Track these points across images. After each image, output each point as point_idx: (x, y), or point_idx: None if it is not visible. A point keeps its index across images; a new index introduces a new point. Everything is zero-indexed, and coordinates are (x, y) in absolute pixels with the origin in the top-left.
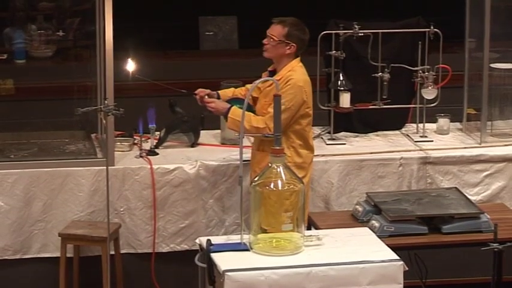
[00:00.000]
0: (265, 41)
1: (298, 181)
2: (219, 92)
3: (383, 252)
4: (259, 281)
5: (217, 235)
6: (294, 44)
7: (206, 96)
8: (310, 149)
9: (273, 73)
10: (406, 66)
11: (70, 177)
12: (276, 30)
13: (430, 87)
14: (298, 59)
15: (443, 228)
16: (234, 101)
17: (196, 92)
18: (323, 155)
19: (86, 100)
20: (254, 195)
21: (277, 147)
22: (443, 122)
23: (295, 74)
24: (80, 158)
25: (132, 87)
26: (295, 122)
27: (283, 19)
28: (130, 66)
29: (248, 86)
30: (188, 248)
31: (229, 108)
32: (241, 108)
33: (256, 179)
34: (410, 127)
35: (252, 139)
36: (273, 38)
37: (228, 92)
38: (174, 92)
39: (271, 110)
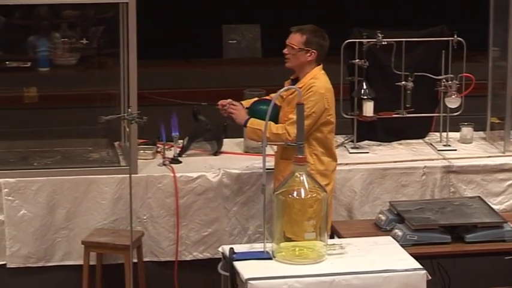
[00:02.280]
0: (285, 50)
1: (321, 189)
2: (242, 102)
3: (406, 261)
4: None
5: (240, 243)
6: (314, 51)
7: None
8: (333, 156)
9: (295, 81)
10: (430, 75)
11: (93, 185)
12: (295, 39)
13: (453, 96)
14: (320, 66)
15: (467, 237)
16: (260, 102)
17: (218, 103)
18: (346, 164)
19: (110, 108)
20: (277, 203)
21: (300, 156)
22: (466, 130)
23: (317, 81)
24: (103, 166)
25: (156, 95)
26: (317, 129)
27: (301, 27)
28: None
29: (272, 95)
30: (211, 256)
31: (247, 119)
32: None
33: (279, 187)
34: (434, 136)
35: (276, 148)
36: (292, 47)
37: (251, 102)
38: (197, 102)
39: (292, 116)
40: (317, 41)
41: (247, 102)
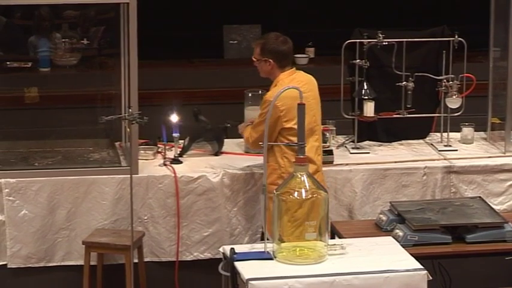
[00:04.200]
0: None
1: (322, 190)
2: None
3: (407, 261)
4: None
5: (240, 243)
6: (270, 59)
7: None
8: (309, 160)
9: None
10: (431, 75)
11: (94, 186)
12: (255, 52)
13: (454, 96)
14: (290, 71)
15: (467, 237)
16: None
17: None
18: (347, 164)
19: (110, 108)
20: (277, 204)
21: (301, 156)
22: (467, 131)
23: (274, 89)
24: (104, 166)
25: (157, 95)
26: (281, 135)
27: (257, 39)
28: None
29: None
30: (212, 257)
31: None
32: None
33: (279, 187)
34: (435, 136)
35: None
36: (253, 60)
37: None
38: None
39: (255, 119)
40: (270, 49)
41: None
